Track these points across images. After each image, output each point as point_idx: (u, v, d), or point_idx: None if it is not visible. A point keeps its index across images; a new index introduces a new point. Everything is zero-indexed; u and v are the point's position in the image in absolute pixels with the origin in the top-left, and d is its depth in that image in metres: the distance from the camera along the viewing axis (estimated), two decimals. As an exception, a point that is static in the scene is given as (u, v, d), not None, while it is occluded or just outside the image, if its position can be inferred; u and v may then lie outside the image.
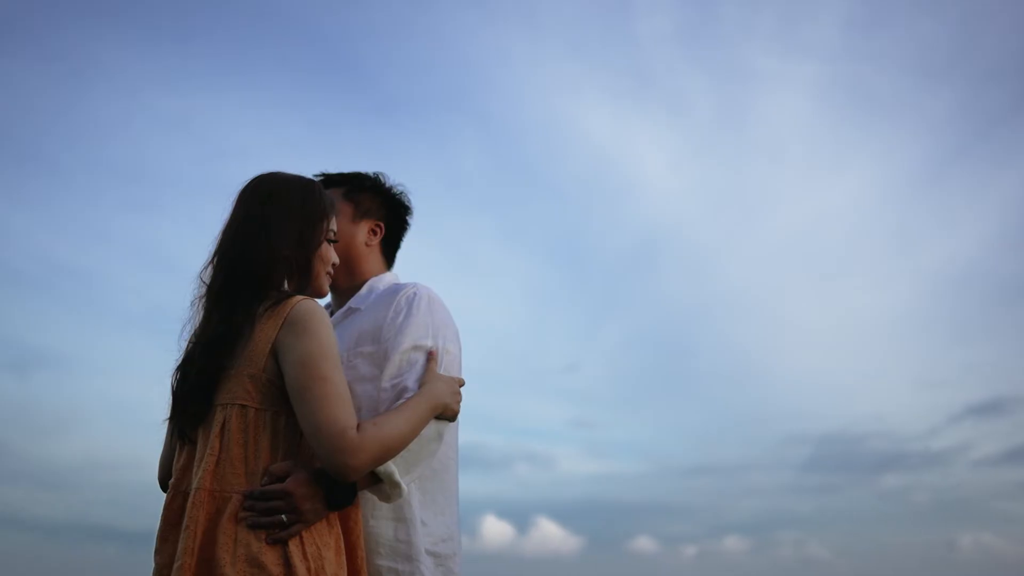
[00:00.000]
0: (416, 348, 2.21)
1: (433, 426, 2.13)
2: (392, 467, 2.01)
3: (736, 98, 17.69)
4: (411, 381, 2.15)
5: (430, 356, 2.21)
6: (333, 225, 2.20)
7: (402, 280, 2.50)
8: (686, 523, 17.84)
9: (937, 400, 19.29)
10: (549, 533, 15.73)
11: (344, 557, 1.98)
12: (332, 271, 2.22)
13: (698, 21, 16.65)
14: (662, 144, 18.04)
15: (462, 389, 2.26)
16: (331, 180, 2.59)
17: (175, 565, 1.87)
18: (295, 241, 2.10)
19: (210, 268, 2.12)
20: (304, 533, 1.90)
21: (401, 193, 2.64)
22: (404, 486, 2.05)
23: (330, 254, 2.19)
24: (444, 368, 2.23)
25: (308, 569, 1.86)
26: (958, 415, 17.11)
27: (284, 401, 1.96)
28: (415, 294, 2.32)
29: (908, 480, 18.01)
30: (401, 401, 2.08)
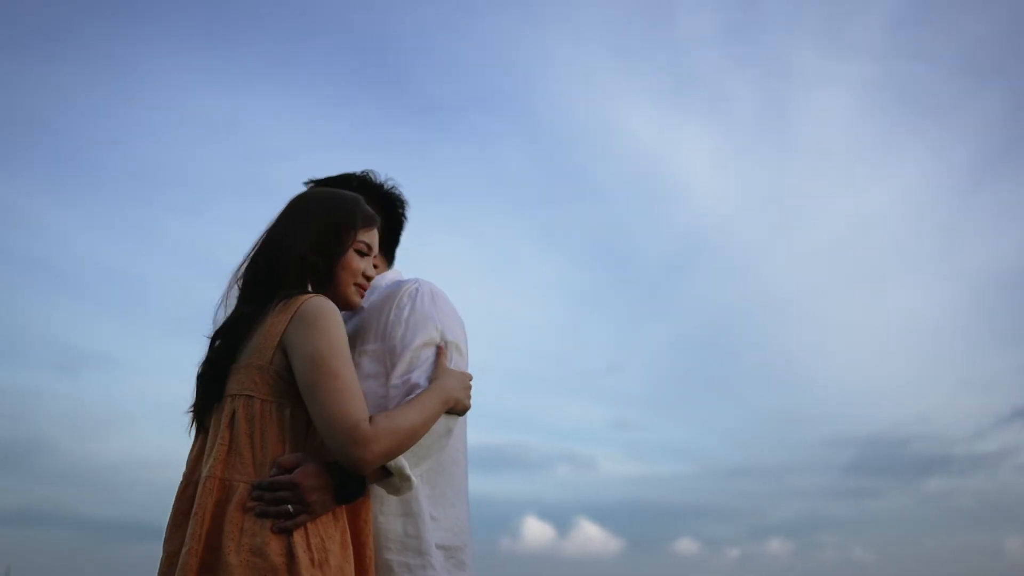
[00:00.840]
0: (425, 344, 2.19)
1: (443, 421, 2.12)
2: (403, 461, 2.02)
3: (780, 98, 17.55)
4: (422, 378, 2.14)
5: (439, 351, 2.20)
6: (367, 238, 2.22)
7: (406, 276, 2.47)
8: (728, 525, 17.73)
9: (983, 402, 19.02)
10: (590, 534, 15.69)
11: (350, 551, 1.99)
12: (364, 283, 2.23)
13: (741, 21, 16.53)
14: (705, 144, 17.94)
15: (471, 384, 2.26)
16: (318, 185, 2.55)
17: (183, 550, 1.91)
18: (315, 245, 2.15)
19: (243, 268, 2.22)
20: (309, 525, 1.91)
21: (392, 188, 2.59)
22: (414, 479, 2.06)
23: (358, 264, 2.19)
24: (452, 363, 2.22)
25: (312, 560, 1.87)
26: (1005, 417, 16.83)
27: (291, 393, 1.99)
28: (417, 289, 2.30)
29: (953, 483, 17.77)
30: (411, 397, 2.09)
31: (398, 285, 2.32)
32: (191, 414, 2.16)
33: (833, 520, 17.47)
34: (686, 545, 16.12)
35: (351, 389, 1.94)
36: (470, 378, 2.25)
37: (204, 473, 1.98)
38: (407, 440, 1.99)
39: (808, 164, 18.18)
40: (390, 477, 2.04)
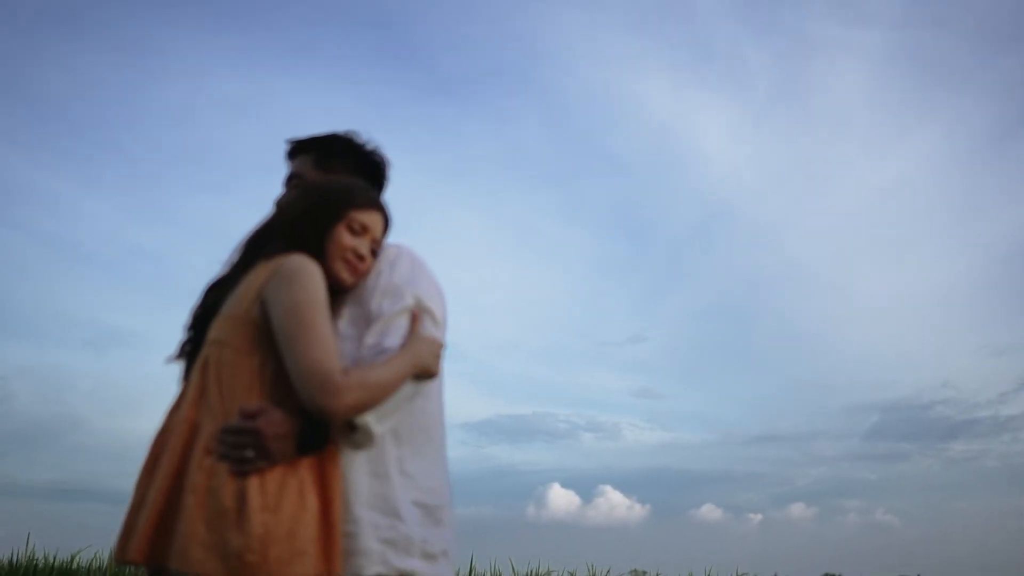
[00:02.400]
0: (401, 311, 2.21)
1: (410, 385, 2.15)
2: (369, 417, 2.05)
3: (798, 68, 17.54)
4: (394, 341, 2.17)
5: (413, 317, 2.22)
6: (363, 218, 2.28)
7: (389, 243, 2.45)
8: (751, 491, 17.88)
9: (1006, 366, 19.00)
10: (614, 502, 15.91)
11: (309, 502, 1.99)
12: (355, 262, 2.26)
13: (757, -10, 16.53)
14: (722, 116, 17.97)
15: (442, 351, 2.28)
16: (300, 147, 2.58)
17: (153, 486, 1.98)
18: (305, 214, 2.25)
19: None
20: (268, 472, 1.94)
21: (374, 151, 2.58)
22: (376, 436, 2.09)
23: (348, 241, 2.24)
24: (426, 330, 2.23)
25: (264, 506, 1.90)
26: (1029, 381, 16.92)
27: (263, 343, 2.05)
28: (396, 255, 2.33)
29: (977, 447, 17.77)
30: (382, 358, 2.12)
31: (379, 251, 2.35)
32: (179, 362, 2.26)
33: (857, 485, 17.59)
34: (709, 511, 16.31)
35: (327, 341, 2.00)
36: (441, 346, 2.27)
37: (179, 417, 2.05)
38: (376, 396, 2.03)
39: (827, 133, 18.17)
40: (353, 432, 2.07)
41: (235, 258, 2.29)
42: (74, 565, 9.85)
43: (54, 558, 9.93)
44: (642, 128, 18.23)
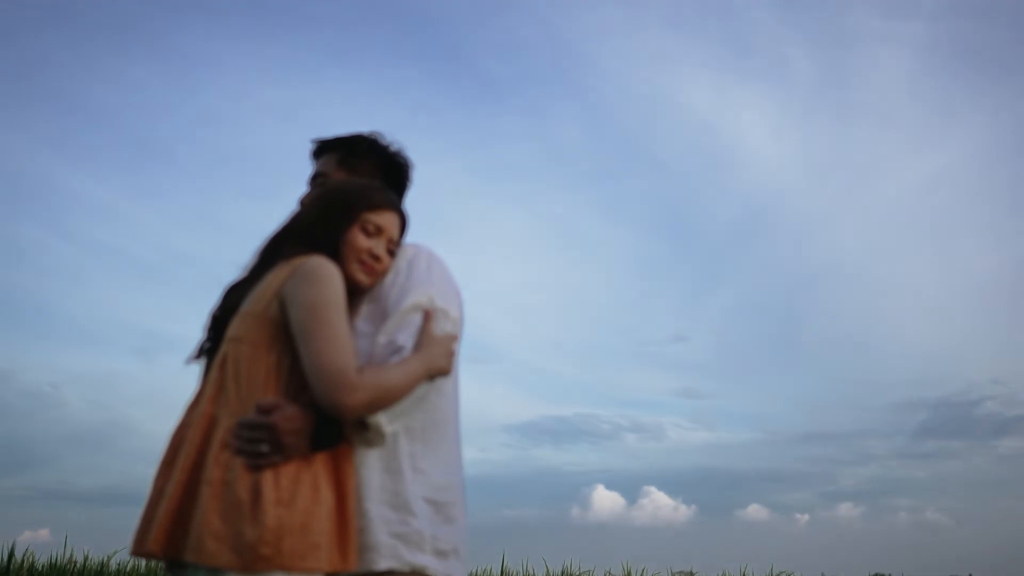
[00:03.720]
0: (414, 308, 2.23)
1: (423, 386, 2.16)
2: (382, 417, 2.07)
3: (838, 61, 17.35)
4: (407, 339, 2.18)
5: (427, 316, 2.23)
6: (377, 219, 2.30)
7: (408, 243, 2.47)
8: (798, 491, 17.68)
9: (1056, 362, 18.71)
10: (659, 502, 15.82)
11: (322, 496, 2.02)
12: (371, 263, 2.28)
13: (797, -16, 16.40)
14: (764, 111, 17.82)
15: (457, 346, 2.30)
16: (325, 147, 2.60)
17: (171, 480, 2.02)
18: (321, 217, 2.29)
19: None
20: (282, 466, 1.97)
21: (398, 152, 2.60)
22: (388, 435, 2.10)
23: (362, 243, 2.27)
24: (439, 328, 2.24)
25: (278, 499, 1.93)
26: (1080, 376, 16.59)
27: (280, 340, 2.09)
28: (415, 255, 2.36)
29: (1028, 444, 17.55)
30: (396, 358, 2.14)
31: (398, 250, 2.38)
32: (199, 361, 2.30)
33: (905, 483, 17.34)
34: (756, 511, 16.17)
35: (343, 339, 2.03)
36: (455, 343, 2.28)
37: (198, 412, 2.10)
38: (388, 396, 2.05)
39: (870, 127, 17.95)
40: (366, 430, 2.09)
41: (255, 260, 2.33)
42: (110, 566, 10.06)
43: (85, 559, 10.16)
44: (683, 125, 18.16)
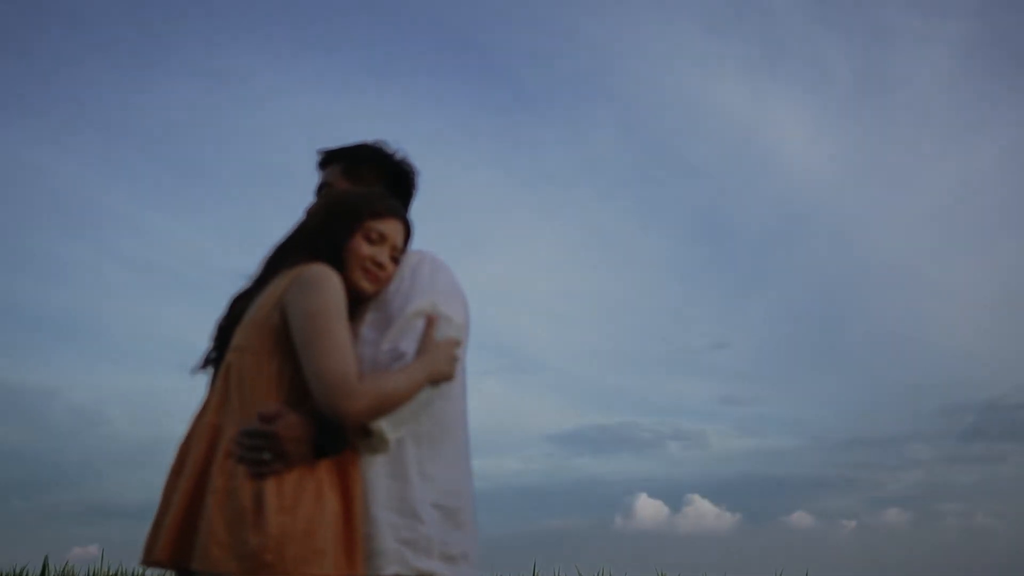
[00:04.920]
0: (416, 314, 2.23)
1: (426, 392, 2.16)
2: (384, 423, 2.07)
3: (876, 61, 17.15)
4: (410, 345, 2.18)
5: (429, 322, 2.23)
6: (380, 226, 2.31)
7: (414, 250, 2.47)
8: (844, 497, 17.41)
9: (1109, 362, 18.33)
10: (703, 510, 15.67)
11: (327, 504, 2.02)
12: (374, 271, 2.29)
13: (832, -17, 16.27)
14: (802, 113, 17.66)
15: (461, 351, 2.30)
16: (330, 157, 2.61)
17: (178, 489, 2.05)
18: (323, 226, 2.31)
19: None
20: (285, 474, 1.98)
21: (402, 160, 2.61)
22: (392, 442, 2.11)
23: (364, 251, 2.28)
24: (442, 335, 2.24)
25: (281, 506, 1.94)
26: None
27: (282, 348, 2.10)
28: (419, 261, 2.36)
29: (1080, 446, 17.19)
30: (398, 364, 2.15)
31: (402, 257, 2.38)
32: (207, 369, 2.33)
33: (954, 488, 17.03)
34: (801, 518, 15.95)
35: (342, 347, 2.05)
36: (458, 348, 2.28)
37: (203, 421, 2.13)
38: (390, 403, 2.06)
39: (909, 126, 17.71)
40: (369, 437, 2.10)
41: (260, 270, 2.35)
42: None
43: (115, 571, 10.31)
44: (719, 129, 18.05)
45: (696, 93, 17.58)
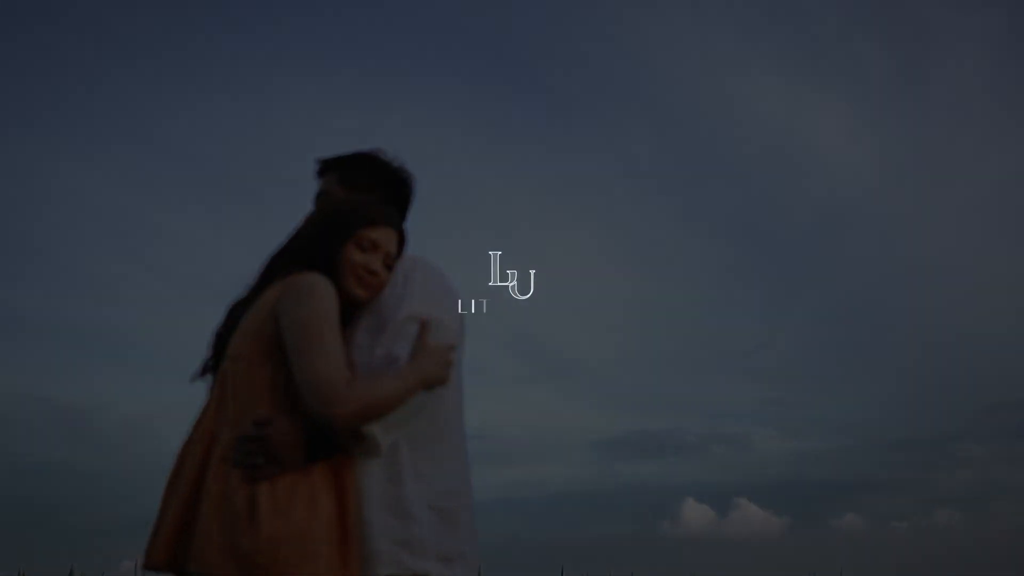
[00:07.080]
0: (409, 319, 2.24)
1: (419, 396, 2.18)
2: (376, 428, 2.09)
3: (913, 56, 16.93)
4: (402, 350, 2.20)
5: (422, 327, 2.24)
6: (373, 234, 2.33)
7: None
8: (894, 498, 17.18)
9: None
10: (751, 514, 15.54)
11: (321, 508, 2.04)
12: (367, 278, 2.31)
13: (867, -19, 16.10)
14: (841, 111, 17.49)
15: (455, 355, 2.30)
16: (327, 165, 2.63)
17: (176, 494, 2.08)
18: (316, 234, 2.34)
19: None
20: (279, 479, 2.01)
21: (399, 168, 2.62)
22: (384, 446, 2.12)
23: (357, 258, 2.30)
24: (433, 338, 2.25)
25: (274, 510, 1.97)
26: None
27: (274, 355, 2.13)
28: (412, 266, 2.37)
29: None
30: (392, 369, 2.16)
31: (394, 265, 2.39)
32: (204, 380, 2.36)
33: (1007, 487, 16.77)
34: (851, 521, 15.78)
35: (333, 353, 2.07)
36: (450, 350, 2.28)
37: (201, 428, 2.16)
38: (379, 407, 2.08)
39: (949, 122, 17.48)
40: (360, 442, 2.11)
41: (256, 278, 2.38)
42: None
43: None
44: (758, 130, 17.95)
45: (733, 94, 17.51)
